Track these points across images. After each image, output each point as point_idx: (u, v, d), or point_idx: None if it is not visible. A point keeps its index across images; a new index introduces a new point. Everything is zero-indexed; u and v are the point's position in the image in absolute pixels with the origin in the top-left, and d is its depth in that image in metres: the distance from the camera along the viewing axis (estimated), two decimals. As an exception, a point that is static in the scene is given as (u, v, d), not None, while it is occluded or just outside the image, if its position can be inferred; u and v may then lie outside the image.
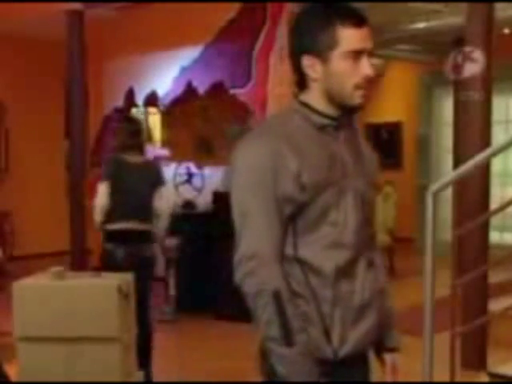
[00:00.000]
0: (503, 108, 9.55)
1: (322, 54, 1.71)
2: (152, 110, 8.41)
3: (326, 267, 1.71)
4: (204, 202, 6.79)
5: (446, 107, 9.83)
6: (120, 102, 8.42)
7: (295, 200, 1.68)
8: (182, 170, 7.28)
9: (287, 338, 1.65)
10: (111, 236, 4.55)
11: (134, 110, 8.51)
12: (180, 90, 7.74)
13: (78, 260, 6.86)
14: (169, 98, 7.90)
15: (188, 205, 6.88)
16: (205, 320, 6.22)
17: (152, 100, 8.14)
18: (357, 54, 1.71)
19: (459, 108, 5.73)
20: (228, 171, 1.78)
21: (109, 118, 8.53)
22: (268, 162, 1.66)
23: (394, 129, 10.78)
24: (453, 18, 7.03)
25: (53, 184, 9.10)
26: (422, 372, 3.68)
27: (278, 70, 6.91)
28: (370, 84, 1.75)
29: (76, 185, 6.95)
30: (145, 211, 4.61)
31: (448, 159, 9.61)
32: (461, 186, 4.80)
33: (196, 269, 6.52)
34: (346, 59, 1.71)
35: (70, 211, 6.95)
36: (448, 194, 7.29)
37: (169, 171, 7.63)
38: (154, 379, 4.62)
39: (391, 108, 10.38)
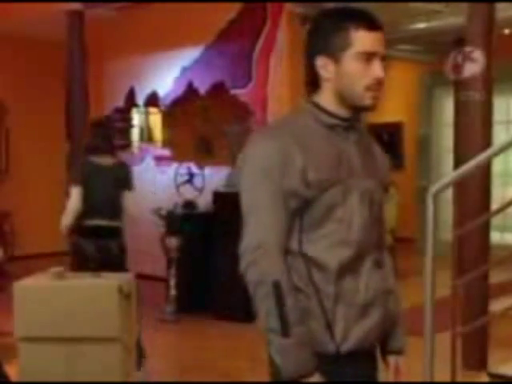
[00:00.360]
0: (504, 108, 9.55)
1: (335, 55, 1.77)
2: (153, 110, 8.41)
3: (329, 263, 1.75)
4: (204, 202, 6.79)
5: (447, 107, 9.82)
6: (121, 103, 8.43)
7: (300, 195, 1.73)
8: (183, 170, 7.28)
9: (284, 329, 1.69)
10: (83, 232, 4.79)
11: (134, 110, 8.52)
12: (181, 90, 7.74)
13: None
14: (169, 98, 7.91)
15: (189, 205, 6.88)
16: (205, 320, 6.22)
17: (153, 100, 8.15)
18: (369, 56, 1.76)
19: (460, 108, 5.73)
20: (237, 167, 1.83)
21: (110, 118, 8.53)
22: (275, 158, 1.72)
23: (394, 129, 10.77)
24: (453, 19, 7.02)
25: (53, 184, 9.09)
26: (422, 372, 3.68)
27: (279, 70, 6.91)
28: (381, 86, 1.79)
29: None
30: (114, 209, 4.88)
31: (449, 159, 9.60)
32: (462, 187, 4.80)
33: (196, 269, 6.52)
34: (357, 60, 1.76)
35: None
36: (449, 194, 7.29)
37: (170, 171, 7.64)
38: (154, 379, 4.62)
39: (392, 108, 10.37)
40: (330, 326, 1.75)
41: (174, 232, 6.39)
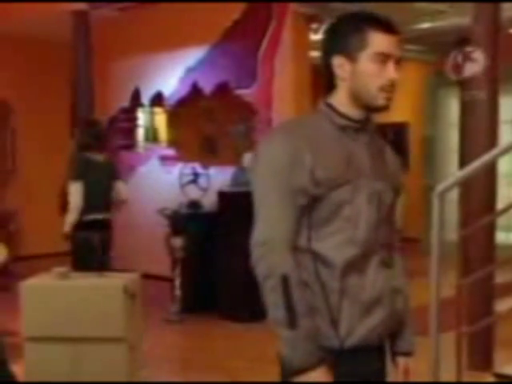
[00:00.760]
0: (510, 108, 9.50)
1: (352, 55, 1.83)
2: (158, 110, 8.42)
3: (335, 260, 1.79)
4: (209, 202, 6.79)
5: (452, 107, 9.80)
6: (126, 103, 8.45)
7: (309, 193, 1.78)
8: (188, 169, 7.29)
9: (291, 322, 1.73)
10: (86, 226, 5.09)
11: (139, 110, 8.53)
12: (185, 90, 7.75)
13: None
14: (174, 98, 7.92)
15: (193, 205, 6.88)
16: (210, 320, 6.22)
17: (158, 100, 8.16)
18: (384, 58, 1.82)
19: (465, 108, 5.71)
20: (250, 165, 1.91)
21: (115, 118, 8.55)
22: (286, 157, 1.78)
23: (399, 129, 10.75)
24: (458, 19, 7.02)
25: (59, 184, 9.10)
26: (427, 372, 3.68)
27: (283, 70, 6.91)
28: (395, 88, 1.85)
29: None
30: (108, 202, 5.33)
31: (454, 160, 9.58)
32: (467, 187, 4.79)
33: (201, 269, 6.52)
34: (373, 61, 1.82)
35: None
36: (454, 194, 7.28)
37: (175, 171, 7.65)
38: (158, 379, 4.62)
39: (397, 108, 10.33)
40: (334, 322, 1.79)
41: (178, 232, 6.40)
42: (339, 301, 1.79)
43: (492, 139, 4.67)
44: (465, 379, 4.04)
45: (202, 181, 7.18)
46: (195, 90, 7.65)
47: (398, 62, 1.84)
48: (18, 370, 3.69)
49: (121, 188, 5.45)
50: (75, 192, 4.96)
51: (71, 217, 5.01)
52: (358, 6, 6.40)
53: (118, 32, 8.30)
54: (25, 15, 7.93)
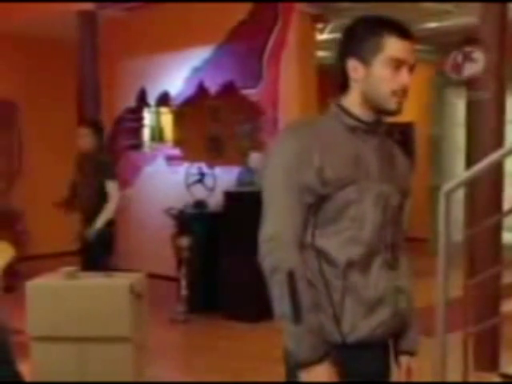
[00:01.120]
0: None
1: (366, 58, 1.86)
2: (164, 110, 8.42)
3: (339, 259, 1.82)
4: (215, 201, 6.79)
5: (459, 107, 9.78)
6: (132, 102, 8.46)
7: (316, 192, 1.81)
8: (194, 169, 7.29)
9: (296, 316, 1.75)
10: (111, 222, 5.41)
11: (145, 110, 8.54)
12: (191, 90, 7.77)
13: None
14: (180, 98, 7.93)
15: (199, 204, 6.89)
16: (215, 320, 6.22)
17: (164, 100, 8.17)
18: (398, 63, 1.85)
19: (472, 108, 5.71)
20: (261, 163, 1.95)
21: (121, 118, 8.57)
22: (294, 156, 1.81)
23: (406, 129, 10.73)
24: (464, 18, 7.00)
25: (65, 184, 9.12)
26: (434, 372, 3.67)
27: (289, 70, 6.90)
28: (406, 94, 1.88)
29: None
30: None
31: (461, 159, 9.56)
32: (473, 186, 4.78)
33: (207, 269, 6.52)
34: (387, 65, 1.84)
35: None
36: (460, 194, 7.26)
37: (181, 171, 7.66)
38: (163, 378, 4.63)
39: (403, 108, 10.33)
40: (337, 319, 1.82)
41: (184, 232, 6.40)
42: (342, 298, 1.81)
43: (498, 139, 4.66)
44: (471, 379, 4.03)
45: (207, 181, 7.18)
46: (201, 90, 7.65)
47: (412, 68, 1.87)
48: (24, 369, 3.69)
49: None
50: (115, 191, 5.30)
51: (109, 214, 5.31)
52: (363, 6, 6.39)
53: (125, 32, 8.32)
54: (32, 15, 7.95)
